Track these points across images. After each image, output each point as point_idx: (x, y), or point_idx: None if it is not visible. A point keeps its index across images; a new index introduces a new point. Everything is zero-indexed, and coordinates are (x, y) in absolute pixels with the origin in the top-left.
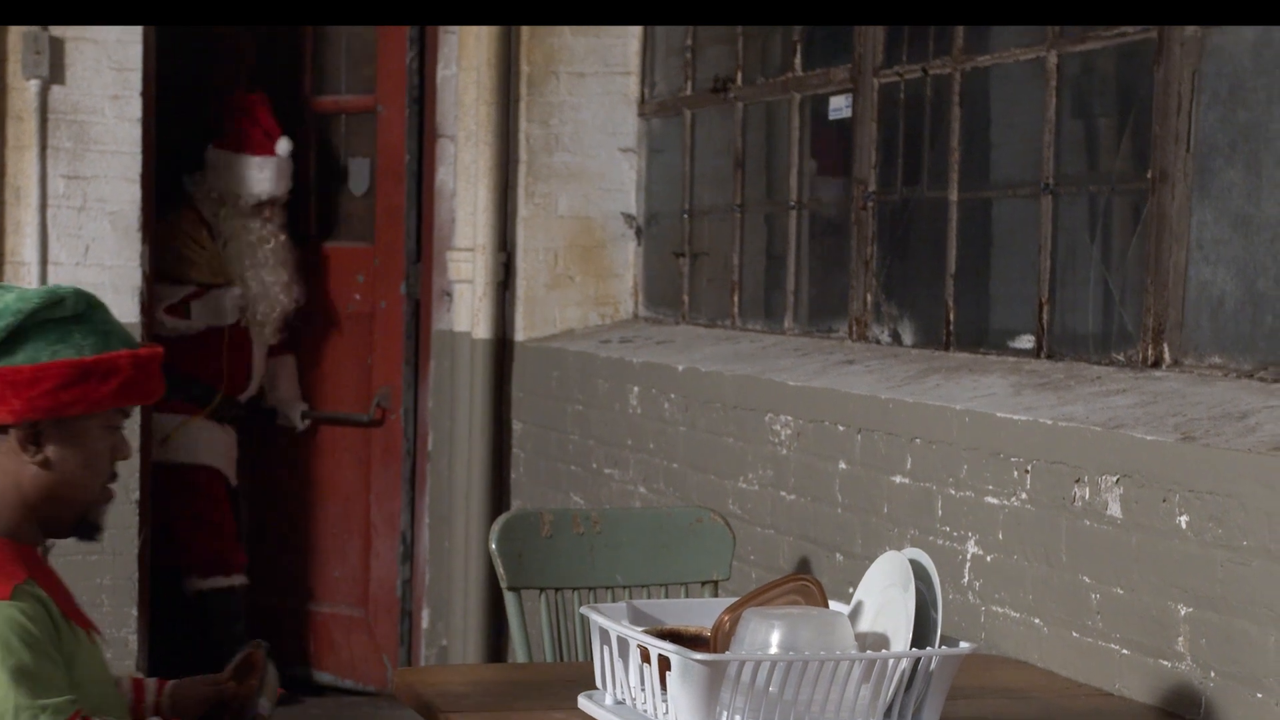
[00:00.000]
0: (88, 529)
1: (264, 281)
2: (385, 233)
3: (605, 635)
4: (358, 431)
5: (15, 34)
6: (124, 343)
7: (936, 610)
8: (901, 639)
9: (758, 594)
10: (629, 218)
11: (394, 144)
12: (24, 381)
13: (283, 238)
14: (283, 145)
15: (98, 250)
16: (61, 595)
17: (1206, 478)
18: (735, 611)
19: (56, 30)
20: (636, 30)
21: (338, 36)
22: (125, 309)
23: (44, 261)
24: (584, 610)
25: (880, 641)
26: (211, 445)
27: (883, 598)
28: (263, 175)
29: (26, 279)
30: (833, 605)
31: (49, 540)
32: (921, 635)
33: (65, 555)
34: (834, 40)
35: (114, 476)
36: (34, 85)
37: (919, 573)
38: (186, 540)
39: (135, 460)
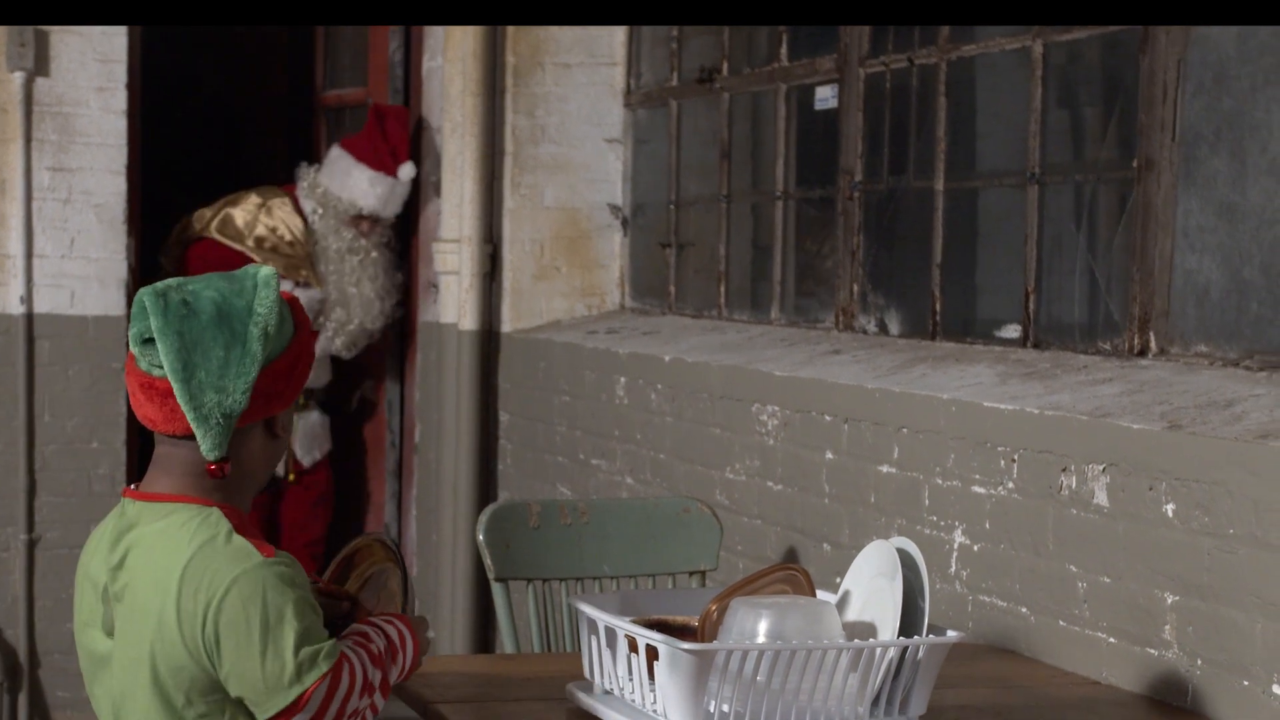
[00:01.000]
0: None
1: (345, 292)
2: None
3: (593, 625)
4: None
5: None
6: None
7: (924, 599)
8: (889, 628)
9: (745, 583)
10: (615, 209)
11: None
12: (285, 372)
13: (374, 254)
14: (405, 170)
15: (83, 243)
16: None
17: (1193, 466)
18: (723, 601)
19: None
20: None
21: (344, 33)
22: (111, 302)
23: (29, 254)
24: (572, 600)
25: (868, 630)
26: None
27: (870, 587)
28: (374, 191)
29: (11, 272)
30: (820, 595)
31: None
32: (909, 624)
33: (52, 550)
34: (819, 31)
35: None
36: (19, 77)
37: (906, 562)
38: None
39: (121, 453)
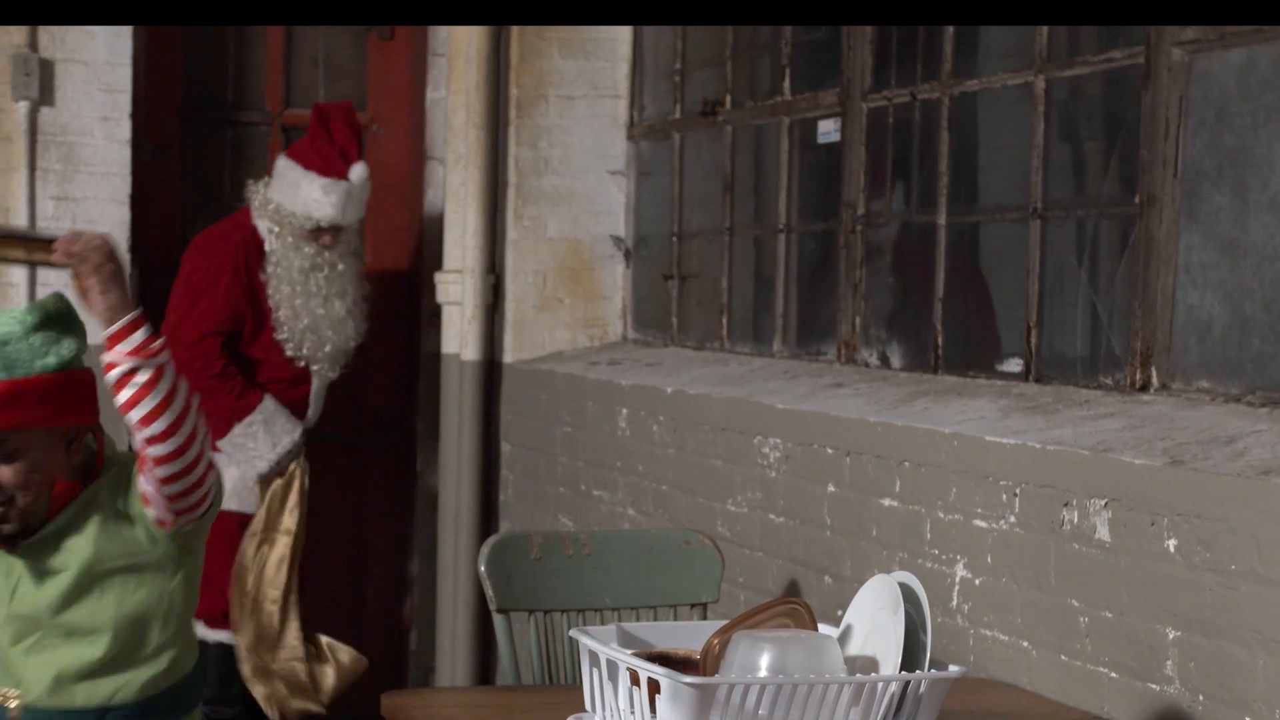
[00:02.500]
0: None
1: (314, 314)
2: (384, 254)
3: (595, 658)
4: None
5: (4, 56)
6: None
7: (925, 633)
8: (890, 662)
9: (747, 617)
10: (618, 240)
11: (392, 164)
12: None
13: (341, 268)
14: (357, 171)
15: None
16: None
17: (1194, 502)
18: (724, 634)
19: (46, 52)
20: (625, 54)
21: (311, 49)
22: None
23: (33, 282)
24: (573, 633)
25: (869, 664)
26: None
27: (872, 621)
28: (328, 199)
29: (15, 300)
30: (822, 628)
31: None
32: (910, 658)
33: None
34: (822, 64)
35: None
36: (23, 107)
37: (908, 596)
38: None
39: None
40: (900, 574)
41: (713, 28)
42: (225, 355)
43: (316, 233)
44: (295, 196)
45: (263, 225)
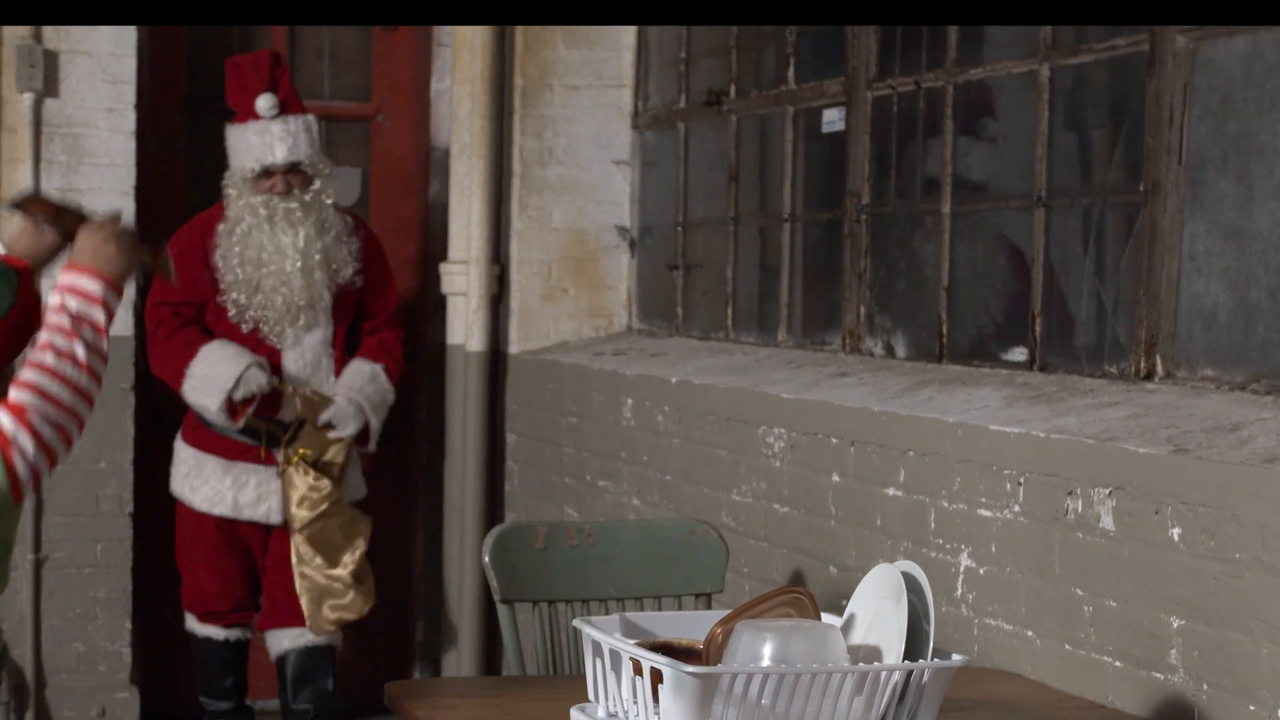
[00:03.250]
0: None
1: (253, 262)
2: (389, 244)
3: (598, 648)
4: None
5: (9, 48)
6: None
7: (929, 623)
8: (894, 651)
9: (750, 606)
10: (623, 230)
11: (398, 155)
12: None
13: (292, 208)
14: (262, 103)
15: None
16: None
17: (1199, 490)
18: (727, 624)
19: (51, 43)
20: (630, 43)
21: (316, 41)
22: (120, 322)
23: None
24: (577, 623)
25: (873, 654)
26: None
27: (875, 610)
28: (249, 141)
29: None
30: (825, 618)
31: None
32: (914, 648)
33: (60, 569)
34: (827, 53)
35: None
36: (28, 98)
37: (911, 585)
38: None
39: (128, 473)
40: (904, 563)
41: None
42: (179, 325)
43: (258, 181)
44: (234, 156)
45: (230, 207)
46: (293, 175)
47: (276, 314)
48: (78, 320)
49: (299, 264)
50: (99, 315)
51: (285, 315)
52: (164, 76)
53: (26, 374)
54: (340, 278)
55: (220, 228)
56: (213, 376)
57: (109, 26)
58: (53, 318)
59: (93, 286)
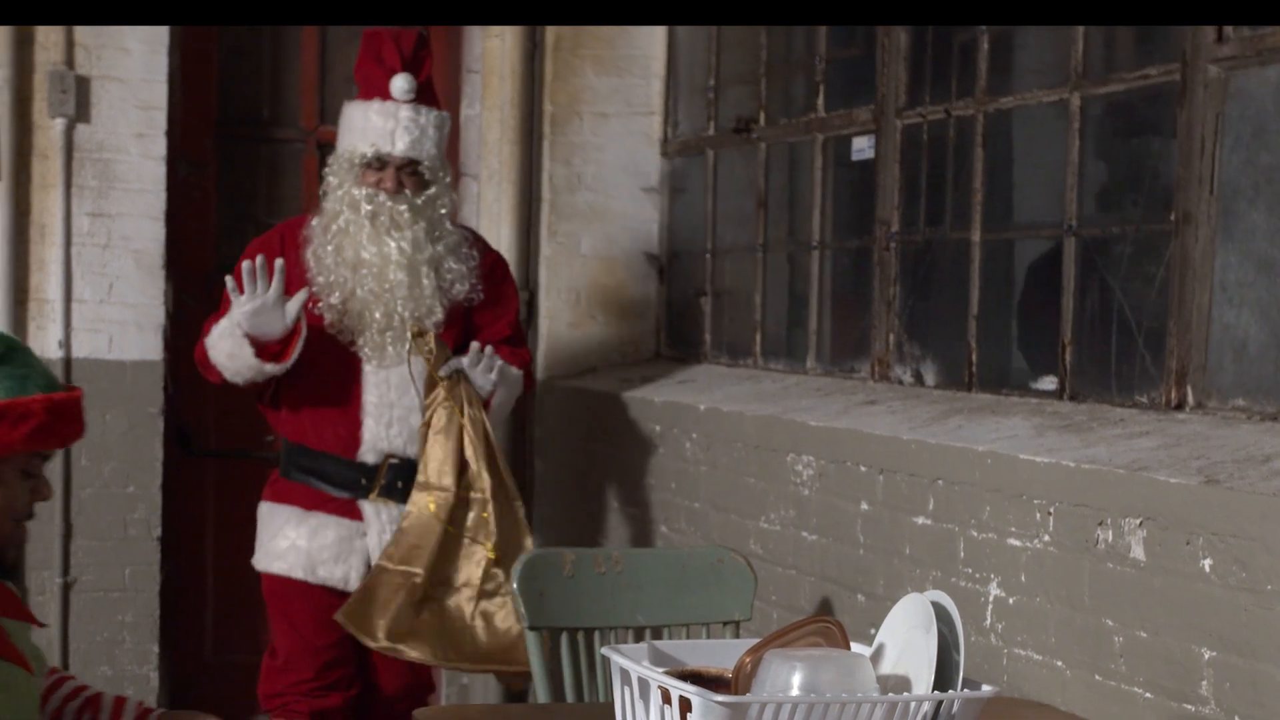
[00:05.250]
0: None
1: (347, 265)
2: None
3: (626, 676)
4: None
5: (41, 73)
6: (42, 387)
7: (959, 653)
8: (923, 681)
9: (778, 635)
10: (651, 257)
11: None
12: None
13: (404, 210)
14: (399, 83)
15: (122, 288)
16: None
17: (1230, 521)
18: (756, 653)
19: (83, 69)
20: (659, 70)
21: (347, 66)
22: (149, 346)
23: (68, 299)
24: (605, 651)
25: (902, 684)
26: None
27: (905, 640)
28: (370, 125)
29: (51, 316)
30: (854, 647)
31: None
32: (944, 678)
33: (87, 593)
34: (857, 81)
35: (29, 516)
36: (60, 124)
37: (941, 615)
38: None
39: (157, 498)
40: (933, 593)
41: (747, 44)
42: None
43: (364, 171)
44: (344, 136)
45: (327, 193)
46: (407, 174)
47: (377, 325)
48: None
49: (404, 272)
50: None
51: (387, 330)
52: (195, 102)
53: None
54: (454, 292)
55: (315, 221)
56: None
57: (140, 51)
58: None
59: None
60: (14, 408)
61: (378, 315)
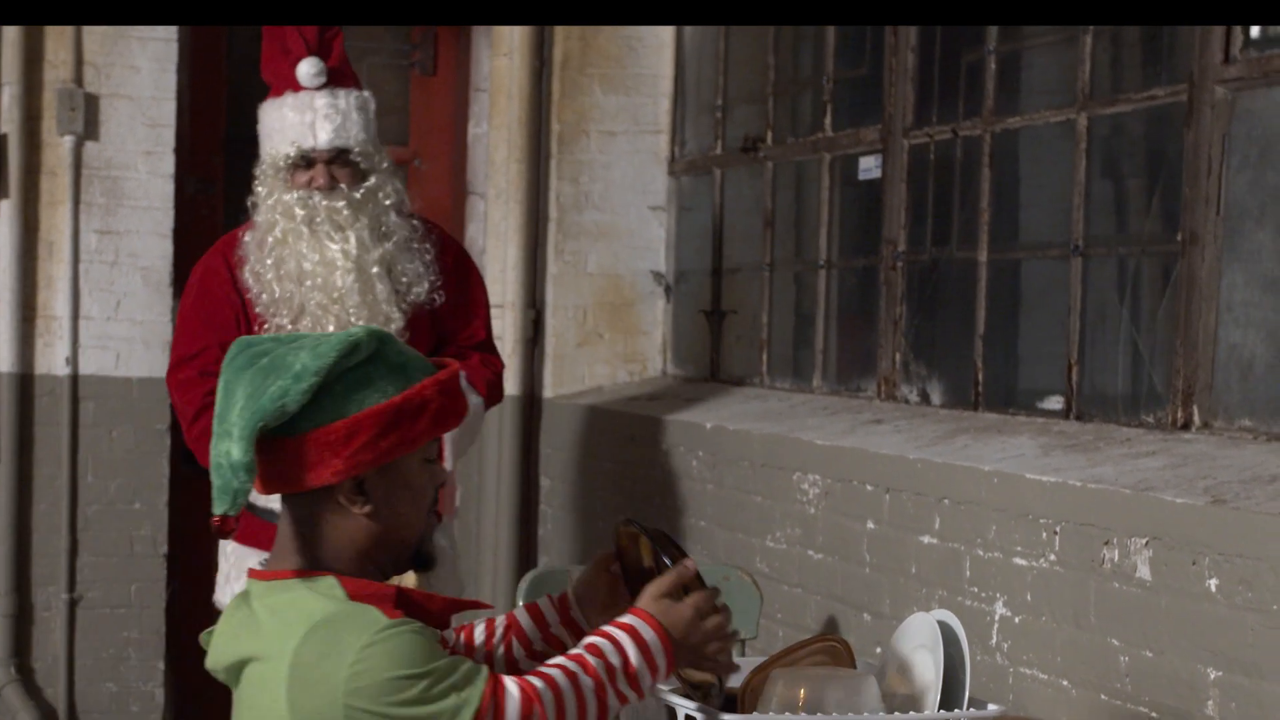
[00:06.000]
0: (422, 560)
1: (287, 276)
2: None
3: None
4: None
5: (50, 90)
6: (422, 371)
7: (965, 672)
8: (930, 701)
9: (785, 654)
10: (658, 275)
11: (435, 199)
12: (339, 440)
13: (341, 207)
14: (305, 68)
15: (129, 305)
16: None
17: (1236, 541)
18: (763, 672)
19: (91, 87)
20: (667, 89)
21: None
22: (156, 363)
23: (75, 315)
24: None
25: (908, 703)
26: None
27: (911, 659)
28: (286, 120)
29: (58, 333)
30: (860, 665)
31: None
32: (950, 697)
33: (93, 609)
34: (864, 101)
35: (436, 503)
36: (68, 141)
37: (947, 634)
38: None
39: (163, 514)
40: (939, 612)
41: (755, 63)
42: (211, 380)
43: (293, 172)
44: (265, 141)
45: (259, 211)
46: (339, 167)
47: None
48: (622, 677)
49: (352, 277)
50: (641, 689)
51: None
52: (203, 120)
53: (535, 680)
54: (413, 295)
55: (247, 237)
56: None
57: (149, 69)
58: (590, 655)
59: (661, 659)
60: (410, 400)
61: (331, 329)
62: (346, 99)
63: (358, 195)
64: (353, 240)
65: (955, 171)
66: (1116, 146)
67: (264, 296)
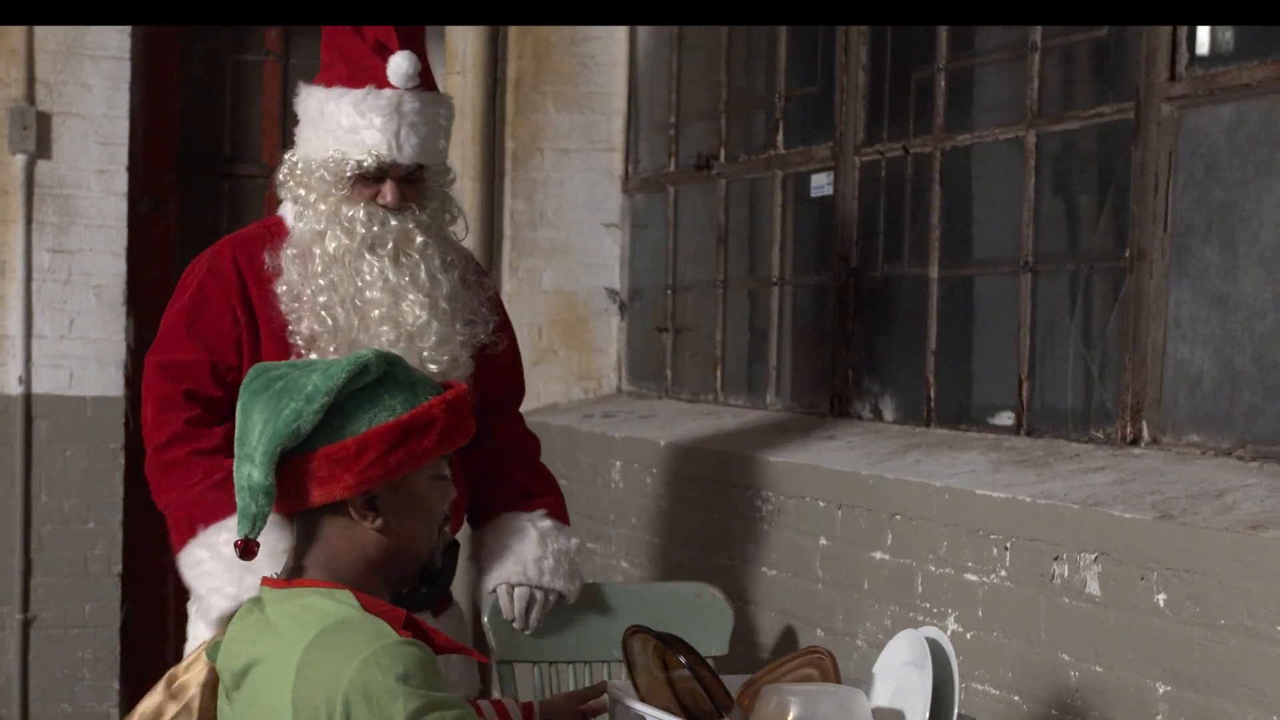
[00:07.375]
0: (431, 576)
1: (351, 306)
2: None
3: (625, 712)
4: None
5: (1, 109)
6: (431, 390)
7: (954, 690)
8: (918, 718)
9: (772, 669)
10: (612, 293)
11: None
12: (350, 456)
13: (410, 226)
14: (396, 64)
15: (83, 324)
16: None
17: (1184, 556)
18: (752, 687)
19: (44, 105)
20: (620, 107)
21: None
22: (110, 382)
23: (29, 334)
24: (610, 682)
25: (897, 719)
26: None
27: (899, 676)
28: (366, 123)
29: (11, 352)
30: (847, 683)
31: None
32: (938, 715)
33: (48, 630)
34: (816, 119)
35: (446, 519)
36: (20, 160)
37: (936, 652)
38: None
39: (118, 534)
40: (928, 629)
41: (708, 81)
42: (195, 427)
43: (360, 184)
44: (319, 136)
45: (289, 211)
46: (409, 184)
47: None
48: None
49: (426, 313)
50: None
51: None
52: (156, 138)
53: None
54: (477, 339)
55: (287, 250)
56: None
57: (102, 87)
58: None
59: None
60: (418, 417)
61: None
62: (435, 107)
63: (426, 217)
64: (424, 269)
65: (906, 188)
66: (1065, 163)
67: (305, 324)
